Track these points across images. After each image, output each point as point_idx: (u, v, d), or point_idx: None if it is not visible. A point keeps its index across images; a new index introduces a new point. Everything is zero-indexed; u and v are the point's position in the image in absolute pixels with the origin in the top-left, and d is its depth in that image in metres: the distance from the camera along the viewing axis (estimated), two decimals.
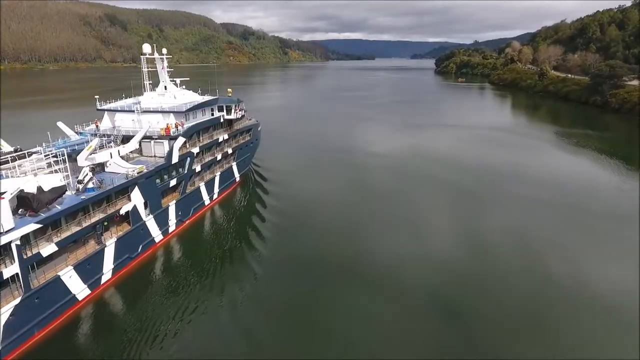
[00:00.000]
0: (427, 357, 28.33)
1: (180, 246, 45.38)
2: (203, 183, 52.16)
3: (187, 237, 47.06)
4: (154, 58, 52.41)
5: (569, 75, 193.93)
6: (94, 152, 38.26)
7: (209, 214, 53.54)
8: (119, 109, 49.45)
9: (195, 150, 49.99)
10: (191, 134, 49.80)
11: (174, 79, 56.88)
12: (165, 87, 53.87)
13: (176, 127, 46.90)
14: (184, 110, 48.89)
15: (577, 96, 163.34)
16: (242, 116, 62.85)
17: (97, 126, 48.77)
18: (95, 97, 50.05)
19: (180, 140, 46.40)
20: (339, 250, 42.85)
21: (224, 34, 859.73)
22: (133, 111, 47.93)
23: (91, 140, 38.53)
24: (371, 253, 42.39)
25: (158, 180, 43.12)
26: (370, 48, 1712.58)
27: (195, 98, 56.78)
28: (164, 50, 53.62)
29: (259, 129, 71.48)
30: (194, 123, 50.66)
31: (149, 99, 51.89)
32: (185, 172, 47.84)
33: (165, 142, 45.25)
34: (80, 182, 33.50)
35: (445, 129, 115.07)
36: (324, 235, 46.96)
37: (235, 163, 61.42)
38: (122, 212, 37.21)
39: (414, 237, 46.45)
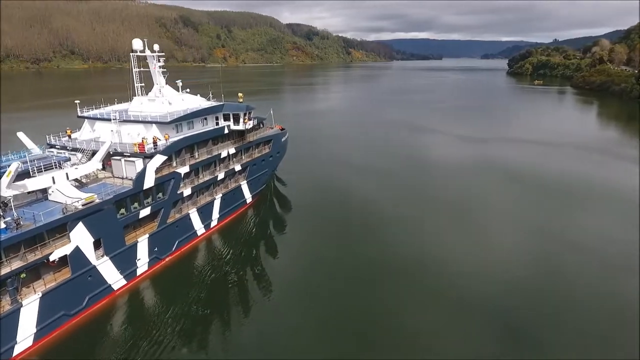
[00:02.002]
0: None
1: (151, 292, 36.07)
2: (195, 209, 42.56)
3: (164, 279, 37.65)
4: (146, 56, 43.62)
5: None
6: (30, 175, 29.85)
7: (202, 246, 43.89)
8: (99, 116, 41.19)
9: (183, 169, 40.46)
10: (178, 150, 40.34)
11: (177, 81, 47.93)
12: (160, 90, 44.94)
13: (154, 142, 37.47)
14: (169, 120, 39.40)
15: None
16: (254, 126, 52.48)
17: (69, 136, 40.89)
18: (76, 102, 42.31)
19: (159, 158, 36.97)
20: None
21: (289, 34, 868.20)
22: (109, 120, 39.40)
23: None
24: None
25: (123, 211, 33.94)
26: (437, 48, 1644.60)
27: (200, 104, 47.45)
28: (156, 47, 44.76)
29: (283, 139, 60.96)
30: (183, 136, 41.16)
31: (137, 105, 43.33)
32: (167, 197, 38.40)
33: (138, 161, 36.03)
34: None
35: (516, 144, 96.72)
36: (355, 286, 36.12)
37: (246, 182, 51.34)
38: (55, 257, 28.25)
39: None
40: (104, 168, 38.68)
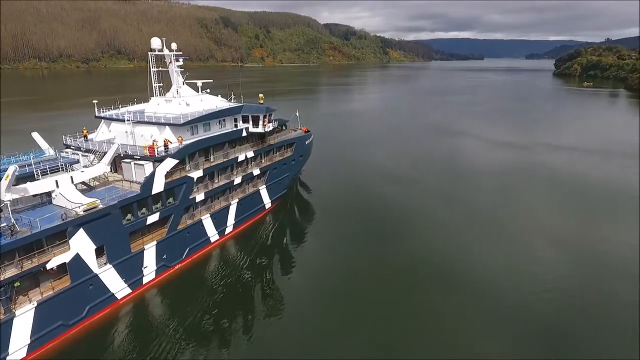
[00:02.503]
0: None
1: (158, 301, 34.56)
2: (209, 215, 40.80)
3: (173, 287, 36.05)
4: (164, 55, 42.32)
5: None
6: (33, 179, 28.88)
7: (216, 253, 42.07)
8: (114, 117, 40.24)
9: (196, 174, 38.75)
10: (192, 153, 38.66)
11: (196, 81, 46.46)
12: (178, 90, 43.57)
13: (165, 145, 35.88)
14: (182, 122, 37.74)
15: None
16: (275, 129, 50.21)
17: (85, 137, 40.20)
18: (94, 101, 41.60)
19: (169, 162, 35.37)
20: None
21: (326, 34, 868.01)
22: (123, 120, 38.28)
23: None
24: None
25: (129, 217, 32.53)
26: (479, 47, 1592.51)
27: (219, 106, 45.74)
28: (174, 45, 43.29)
29: (307, 141, 58.44)
30: (198, 139, 39.44)
31: (154, 106, 42.14)
32: (177, 203, 36.78)
33: (148, 165, 34.54)
34: None
35: (560, 151, 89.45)
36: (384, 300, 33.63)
37: (265, 186, 49.22)
38: (52, 265, 27.03)
39: None
40: (116, 170, 37.71)
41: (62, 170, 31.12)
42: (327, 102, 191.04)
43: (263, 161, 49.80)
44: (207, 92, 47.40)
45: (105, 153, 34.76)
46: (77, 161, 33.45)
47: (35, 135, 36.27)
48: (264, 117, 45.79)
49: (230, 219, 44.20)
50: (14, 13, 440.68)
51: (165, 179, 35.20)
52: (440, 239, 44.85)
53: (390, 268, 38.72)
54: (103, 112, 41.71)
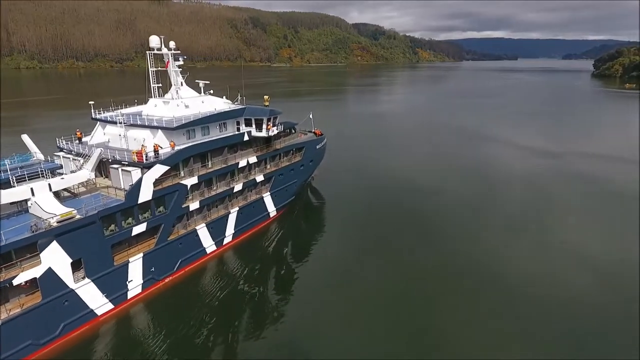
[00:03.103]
0: None
1: (144, 317, 32.19)
2: (204, 224, 38.27)
3: (162, 302, 33.68)
4: (162, 54, 40.07)
5: None
6: (11, 185, 26.98)
7: (212, 265, 39.53)
8: (109, 119, 38.30)
9: (190, 181, 36.25)
10: (185, 159, 36.19)
11: (198, 81, 44.10)
12: (177, 92, 41.28)
13: (155, 150, 33.51)
14: (174, 126, 35.27)
15: None
16: (281, 133, 47.24)
17: (79, 139, 38.46)
18: (90, 102, 39.85)
19: (158, 169, 32.96)
20: None
21: (354, 34, 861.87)
22: (115, 123, 36.24)
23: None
24: None
25: (113, 227, 30.29)
26: (513, 47, 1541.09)
27: (222, 107, 43.21)
28: (172, 44, 40.94)
29: (318, 146, 55.26)
30: (192, 144, 36.91)
31: (151, 107, 40.00)
32: (168, 212, 34.36)
33: (135, 172, 32.23)
34: None
35: (598, 160, 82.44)
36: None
37: (269, 194, 46.37)
38: (20, 281, 24.97)
39: None
40: (107, 176, 35.69)
41: (43, 176, 29.16)
42: (351, 103, 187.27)
43: (268, 167, 46.98)
44: (209, 93, 44.95)
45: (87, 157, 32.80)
46: (61, 166, 31.46)
47: (25, 137, 34.62)
48: (268, 120, 42.90)
49: (230, 229, 41.55)
50: (55, 14, 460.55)
51: (155, 186, 32.82)
52: (470, 257, 40.54)
53: (407, 290, 34.96)
54: (101, 113, 39.89)
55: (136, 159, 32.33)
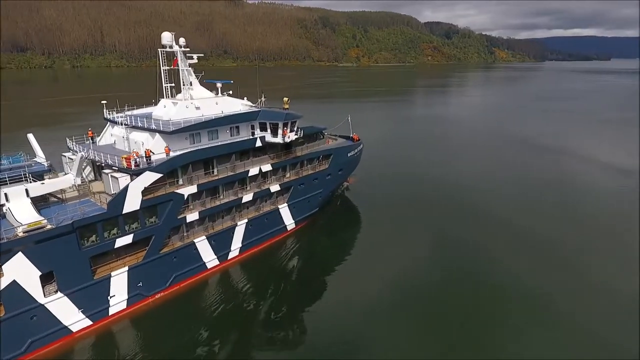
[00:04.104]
0: None
1: (128, 335, 29.89)
2: (205, 237, 35.15)
3: (149, 319, 31.25)
4: (174, 52, 37.54)
5: None
6: None
7: (214, 281, 36.42)
8: (115, 119, 36.60)
9: (188, 190, 33.21)
10: (183, 165, 33.22)
11: (215, 81, 41.21)
12: (189, 92, 38.61)
13: (147, 155, 30.81)
14: (171, 129, 32.34)
15: None
16: (300, 139, 42.73)
17: (91, 138, 37.29)
18: (102, 102, 38.56)
19: (148, 176, 30.23)
20: None
21: (426, 33, 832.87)
22: (118, 124, 34.35)
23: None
24: None
25: (93, 238, 28.04)
26: (605, 46, 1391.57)
27: (238, 110, 39.93)
28: (182, 41, 38.14)
29: (351, 153, 50.24)
30: (193, 149, 33.82)
31: (160, 108, 37.74)
32: (160, 223, 31.60)
33: (123, 179, 29.76)
34: None
35: None
36: None
37: (287, 205, 42.32)
38: None
39: None
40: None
41: (26, 180, 27.66)
42: (413, 104, 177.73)
43: (288, 175, 42.91)
44: (227, 94, 41.85)
45: (92, 160, 30.97)
46: (49, 169, 29.91)
47: (30, 137, 33.94)
48: (285, 125, 38.73)
49: (236, 242, 38.10)
50: (143, 17, 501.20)
51: (144, 195, 30.16)
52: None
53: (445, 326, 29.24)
54: (112, 113, 38.46)
55: (125, 165, 29.86)
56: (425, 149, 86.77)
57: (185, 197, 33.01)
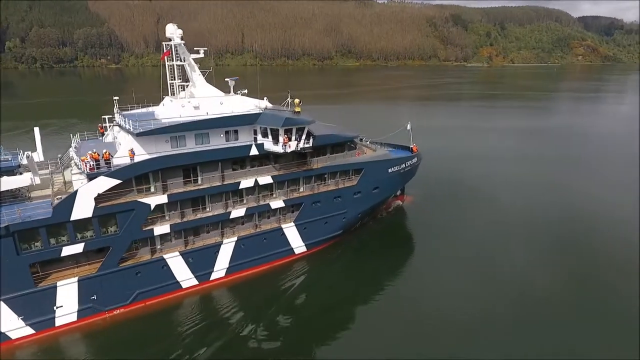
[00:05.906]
0: None
1: (70, 348, 27.72)
2: (179, 253, 31.24)
3: (100, 336, 28.68)
4: (178, 45, 34.13)
5: None
6: None
7: (189, 302, 32.39)
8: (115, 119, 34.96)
9: (156, 200, 29.51)
10: (153, 172, 29.57)
11: (227, 79, 36.98)
12: (192, 90, 35.05)
13: (105, 158, 27.82)
14: (138, 131, 28.77)
15: None
16: (309, 147, 35.62)
17: (102, 134, 36.55)
18: (115, 98, 37.42)
19: (103, 182, 27.23)
20: None
21: (579, 29, 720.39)
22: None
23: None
24: None
25: (38, 244, 26.15)
26: None
27: (246, 110, 35.11)
28: (179, 32, 34.15)
29: (393, 169, 41.63)
30: (155, 156, 29.74)
31: (160, 107, 35.03)
32: (120, 234, 28.54)
33: (78, 182, 27.36)
34: None
35: None
36: None
37: (294, 224, 36.14)
38: None
39: None
40: None
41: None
42: (547, 112, 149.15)
43: (301, 189, 36.65)
44: (241, 93, 37.22)
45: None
46: (18, 166, 29.01)
47: (36, 130, 34.04)
48: (286, 131, 32.47)
49: (222, 262, 33.42)
50: (280, 20, 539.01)
51: (100, 202, 27.32)
52: None
53: None
54: (125, 111, 37.09)
55: (87, 168, 27.32)
56: (550, 170, 67.94)
57: (152, 207, 29.39)
